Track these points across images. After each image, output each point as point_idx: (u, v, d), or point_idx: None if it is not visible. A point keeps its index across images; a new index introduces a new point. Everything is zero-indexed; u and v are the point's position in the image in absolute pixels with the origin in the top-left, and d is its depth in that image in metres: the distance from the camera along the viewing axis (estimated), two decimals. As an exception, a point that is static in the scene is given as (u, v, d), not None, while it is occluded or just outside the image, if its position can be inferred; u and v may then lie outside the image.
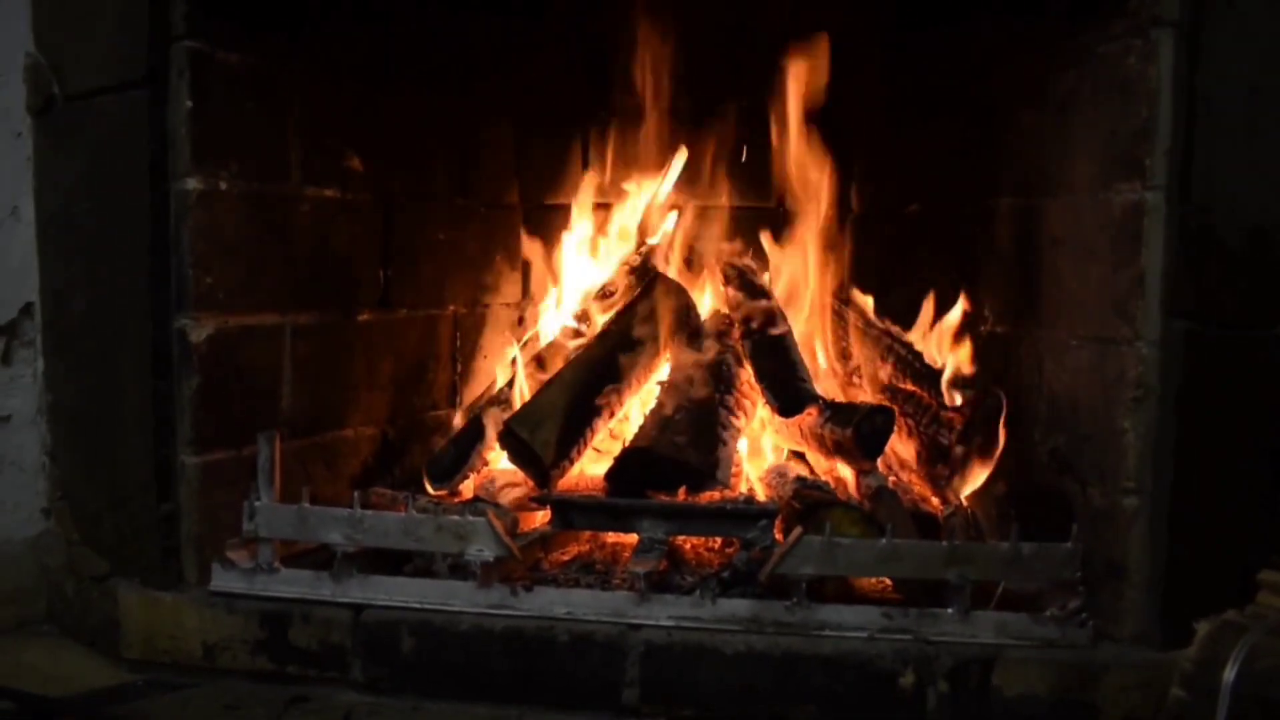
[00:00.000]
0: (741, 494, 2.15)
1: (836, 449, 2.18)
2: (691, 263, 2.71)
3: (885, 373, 2.36)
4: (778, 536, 1.89)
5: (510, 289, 2.75)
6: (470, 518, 1.81)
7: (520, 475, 2.20)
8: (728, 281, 2.57)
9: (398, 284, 2.31)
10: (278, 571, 1.84)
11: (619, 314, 2.45)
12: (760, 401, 2.31)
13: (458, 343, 2.55)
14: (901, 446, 2.26)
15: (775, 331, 2.36)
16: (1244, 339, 1.62)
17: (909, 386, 2.28)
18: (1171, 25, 1.64)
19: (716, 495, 2.07)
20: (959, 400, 2.14)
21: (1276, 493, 1.62)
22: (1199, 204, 1.63)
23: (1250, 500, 1.62)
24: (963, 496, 2.08)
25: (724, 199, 2.76)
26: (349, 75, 2.14)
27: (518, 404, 2.33)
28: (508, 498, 2.13)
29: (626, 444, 2.22)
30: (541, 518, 2.07)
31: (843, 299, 2.61)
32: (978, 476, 2.06)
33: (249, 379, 1.96)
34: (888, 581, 1.89)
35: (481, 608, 1.78)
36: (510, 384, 2.41)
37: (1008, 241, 2.07)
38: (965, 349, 2.19)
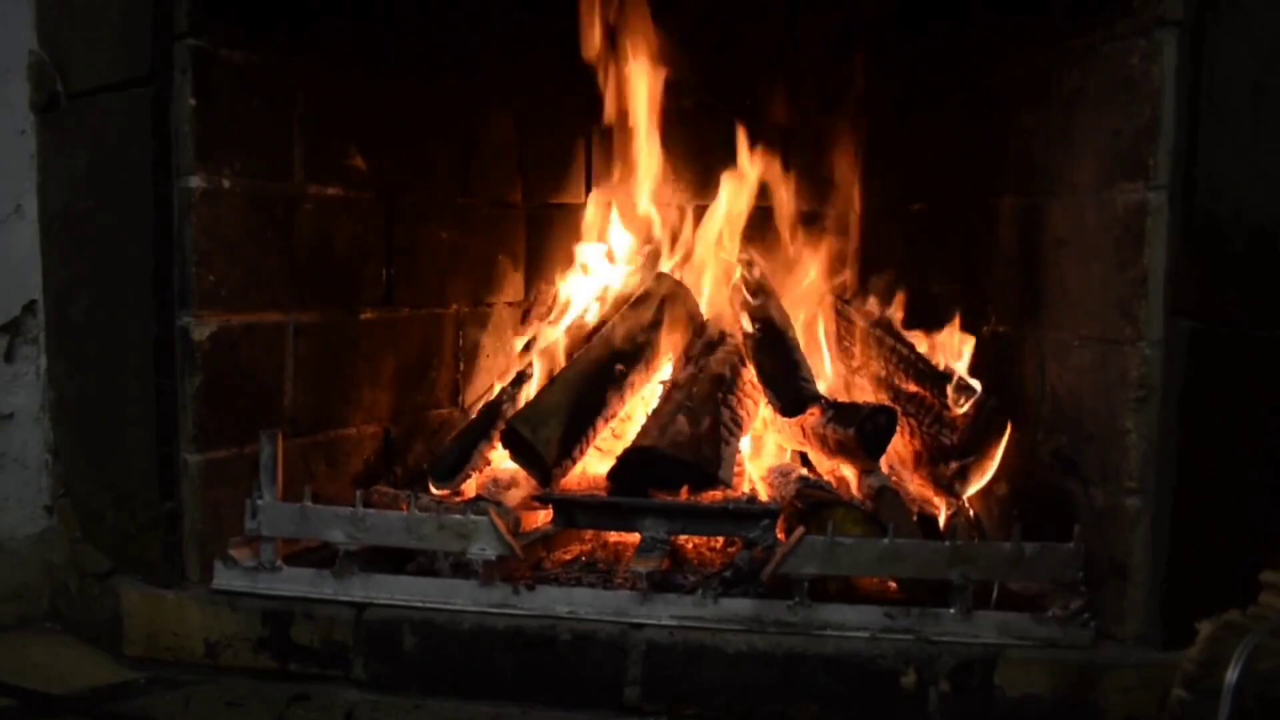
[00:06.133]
0: (744, 493, 2.15)
1: (839, 449, 2.18)
2: (694, 262, 2.71)
3: (888, 373, 2.36)
4: (780, 536, 1.89)
5: (513, 288, 2.75)
6: (472, 516, 1.81)
7: (523, 474, 2.20)
8: (730, 281, 2.57)
9: (400, 282, 2.31)
10: (280, 570, 1.85)
11: (622, 313, 2.45)
12: (763, 401, 2.31)
13: (460, 341, 2.55)
14: (904, 446, 2.25)
15: (778, 331, 2.36)
16: (1247, 339, 1.61)
17: (911, 387, 2.28)
18: (1175, 24, 1.64)
19: (719, 495, 2.07)
20: (961, 401, 2.14)
21: (1279, 493, 1.61)
22: (1202, 204, 1.63)
23: (1253, 500, 1.62)
24: (965, 496, 2.07)
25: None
26: (352, 74, 2.14)
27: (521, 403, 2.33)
28: (510, 497, 2.13)
29: (629, 443, 2.22)
30: (544, 517, 2.08)
31: (846, 298, 2.61)
32: (980, 476, 2.06)
33: (252, 377, 1.96)
34: (890, 581, 1.89)
35: (483, 606, 1.79)
36: (514, 383, 2.41)
37: (1011, 241, 2.07)
38: (968, 349, 2.19)
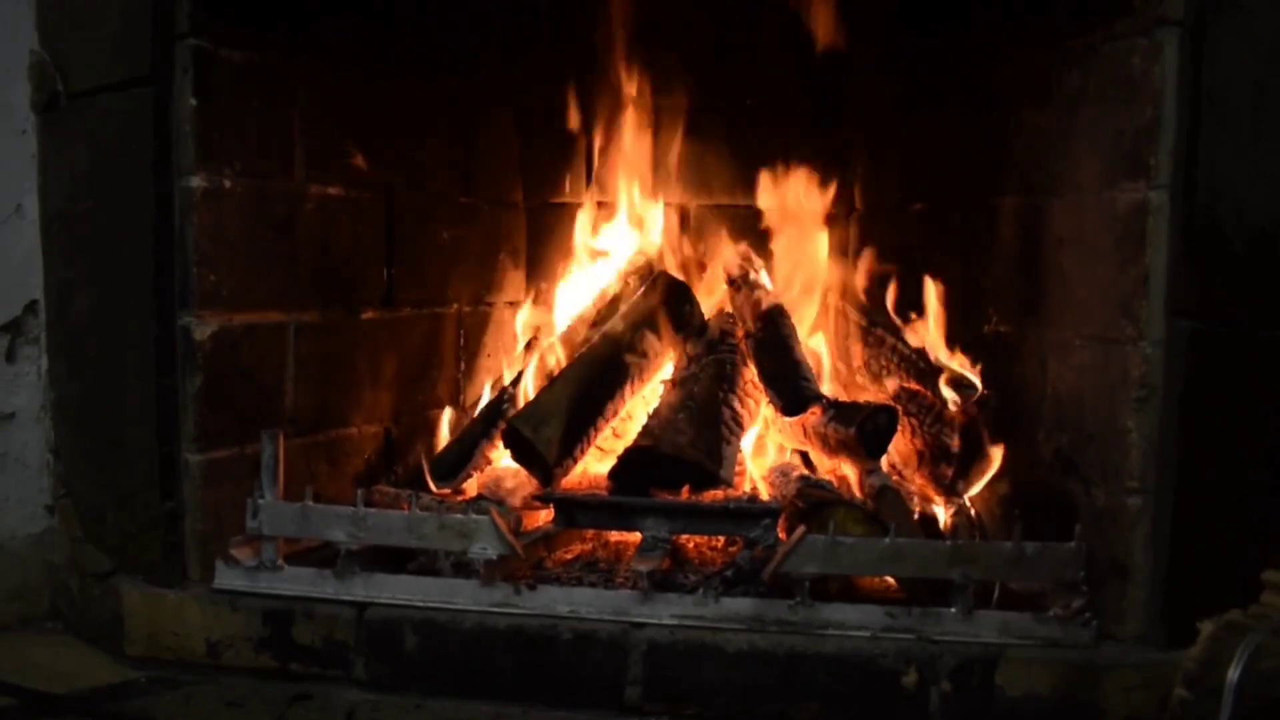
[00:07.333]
0: (745, 493, 2.15)
1: (840, 448, 2.18)
2: (695, 262, 2.71)
3: (888, 372, 2.36)
4: (781, 535, 1.89)
5: (514, 287, 2.76)
6: (473, 516, 1.81)
7: (524, 473, 2.20)
8: (731, 281, 2.57)
9: (401, 282, 2.31)
10: (281, 569, 1.85)
11: (623, 313, 2.45)
12: (764, 400, 2.31)
13: (462, 341, 2.55)
14: (905, 446, 2.25)
15: (779, 331, 2.36)
16: (1248, 338, 1.61)
17: (912, 386, 2.28)
18: (1176, 24, 1.64)
19: (720, 494, 2.07)
20: (961, 400, 2.14)
21: (1279, 493, 1.61)
22: (1204, 203, 1.63)
23: (1253, 500, 1.62)
24: (966, 496, 2.07)
25: (728, 198, 2.75)
26: (353, 74, 2.14)
27: (522, 402, 2.33)
28: (511, 496, 2.13)
29: (630, 443, 2.22)
30: (545, 516, 2.07)
31: (847, 298, 2.61)
32: (981, 476, 2.06)
33: (253, 377, 1.96)
34: (891, 581, 1.89)
35: (484, 606, 1.79)
36: (515, 382, 2.41)
37: (1012, 240, 2.07)
38: (969, 349, 2.19)
